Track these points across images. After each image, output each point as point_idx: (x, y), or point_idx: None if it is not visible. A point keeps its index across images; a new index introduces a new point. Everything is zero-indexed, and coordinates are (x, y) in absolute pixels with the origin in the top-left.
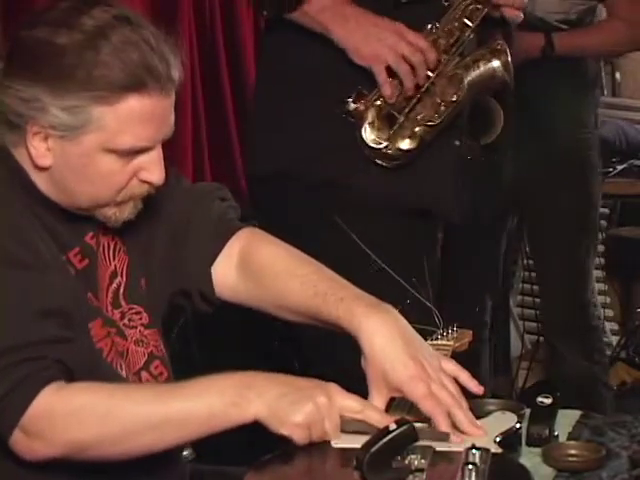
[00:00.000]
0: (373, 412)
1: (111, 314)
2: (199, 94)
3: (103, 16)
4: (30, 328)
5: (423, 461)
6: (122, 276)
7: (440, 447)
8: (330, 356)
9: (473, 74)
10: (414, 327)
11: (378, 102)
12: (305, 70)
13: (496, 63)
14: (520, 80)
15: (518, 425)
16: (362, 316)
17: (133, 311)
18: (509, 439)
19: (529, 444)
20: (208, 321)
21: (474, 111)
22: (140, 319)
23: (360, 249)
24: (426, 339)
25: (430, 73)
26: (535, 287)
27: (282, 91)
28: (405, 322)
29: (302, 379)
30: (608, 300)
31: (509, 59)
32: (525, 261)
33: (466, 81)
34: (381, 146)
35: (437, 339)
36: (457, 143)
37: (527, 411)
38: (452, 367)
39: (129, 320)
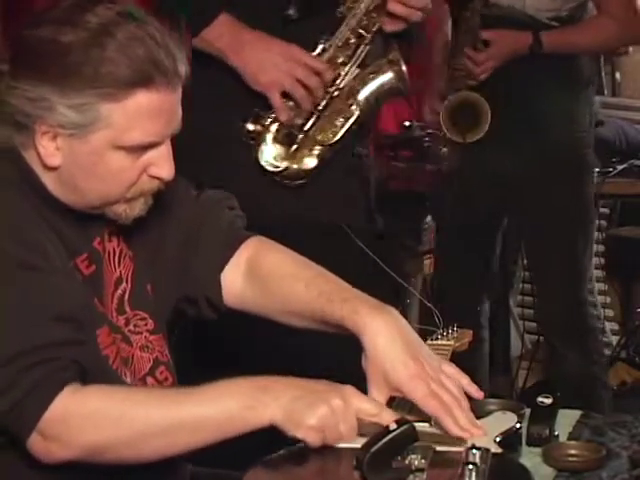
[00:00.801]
0: (389, 415)
1: (116, 320)
2: None
3: (107, 13)
4: (46, 330)
5: (423, 461)
6: (127, 282)
7: (440, 447)
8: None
9: (369, 87)
10: (414, 327)
11: (276, 124)
12: (209, 91)
13: (390, 74)
14: (514, 79)
15: (518, 425)
16: (366, 316)
17: (138, 317)
18: (509, 439)
19: (529, 444)
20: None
21: (461, 109)
22: (145, 325)
23: None
24: (426, 339)
25: (328, 90)
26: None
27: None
28: (406, 323)
29: (317, 382)
30: (608, 300)
31: (403, 68)
32: (525, 261)
33: (362, 95)
34: (280, 168)
35: (437, 339)
36: (364, 151)
37: (527, 411)
38: (453, 371)
39: (134, 326)
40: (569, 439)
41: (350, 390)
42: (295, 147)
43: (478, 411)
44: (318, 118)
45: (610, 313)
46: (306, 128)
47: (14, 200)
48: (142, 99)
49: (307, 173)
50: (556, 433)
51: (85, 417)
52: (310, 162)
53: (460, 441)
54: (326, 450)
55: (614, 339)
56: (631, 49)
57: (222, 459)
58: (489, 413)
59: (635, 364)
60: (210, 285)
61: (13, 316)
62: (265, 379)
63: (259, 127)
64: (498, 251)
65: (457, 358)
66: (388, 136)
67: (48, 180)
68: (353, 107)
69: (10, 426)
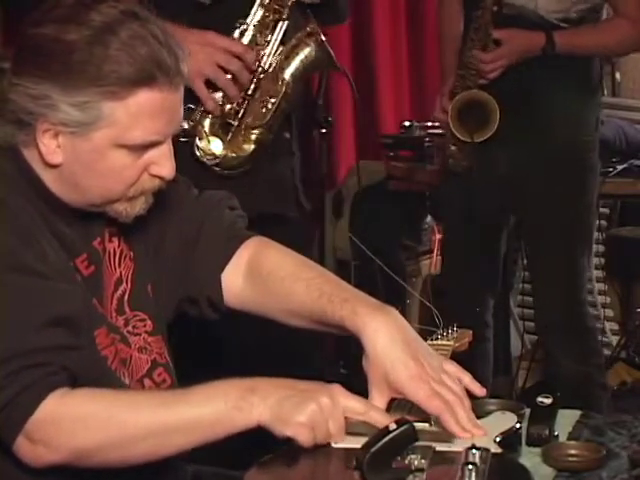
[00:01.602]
0: (377, 413)
1: (115, 321)
2: None
3: (111, 11)
4: (38, 335)
5: (423, 461)
6: (127, 283)
7: (440, 447)
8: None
9: (294, 63)
10: (414, 327)
11: (209, 116)
12: None
13: (311, 46)
14: (523, 79)
15: (518, 425)
16: (366, 316)
17: (137, 318)
18: (509, 439)
19: (529, 444)
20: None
21: (469, 107)
22: (144, 326)
23: None
24: (426, 339)
25: (253, 73)
26: None
27: None
28: (406, 324)
29: (305, 382)
30: (608, 300)
31: (323, 38)
32: (525, 261)
33: (289, 72)
34: (218, 160)
35: (437, 339)
36: (287, 136)
37: (527, 411)
38: (454, 369)
39: (133, 327)
40: (569, 439)
41: (337, 389)
42: (230, 135)
43: (478, 411)
44: (249, 103)
45: (610, 313)
46: (239, 115)
47: (12, 198)
48: (144, 98)
49: (247, 159)
50: (556, 433)
51: (73, 420)
52: (248, 148)
53: (457, 437)
54: (326, 450)
55: (614, 339)
56: None
57: (223, 458)
58: (489, 413)
59: (635, 364)
60: (211, 285)
61: (7, 319)
62: (252, 380)
63: (192, 123)
64: (503, 250)
65: (459, 357)
66: (388, 136)
67: (49, 178)
68: (281, 85)
69: None
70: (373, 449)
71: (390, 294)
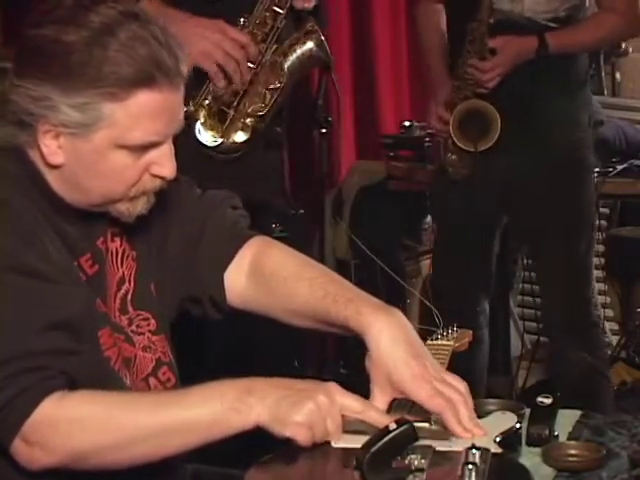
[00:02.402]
0: (374, 412)
1: (119, 320)
2: None
3: (110, 13)
4: (38, 338)
5: (423, 461)
6: (130, 282)
7: (440, 447)
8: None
9: (291, 58)
10: (414, 327)
11: (207, 101)
12: None
13: (310, 44)
14: (516, 83)
15: (518, 425)
16: (370, 316)
17: (141, 317)
18: (509, 439)
19: (529, 444)
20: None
21: (469, 117)
22: (148, 325)
23: None
24: (426, 339)
25: (252, 65)
26: (535, 287)
27: None
28: (409, 325)
29: (302, 381)
30: (608, 300)
31: (322, 37)
32: (525, 261)
33: (286, 66)
34: (216, 143)
35: (437, 339)
36: (279, 130)
37: (527, 411)
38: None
39: (137, 326)
40: (569, 439)
41: (334, 387)
42: (228, 122)
43: (478, 411)
44: (245, 93)
45: (610, 313)
46: (235, 103)
47: (15, 198)
48: (144, 99)
49: (241, 146)
50: (556, 433)
51: (71, 422)
52: (242, 136)
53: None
54: (326, 450)
55: (614, 339)
56: (631, 49)
57: (223, 458)
58: (489, 413)
59: (635, 364)
60: (214, 285)
61: (7, 320)
62: (249, 380)
63: (192, 107)
64: (496, 251)
65: (457, 358)
66: (388, 136)
67: (51, 178)
68: (279, 78)
69: None
70: (373, 449)
71: (390, 294)
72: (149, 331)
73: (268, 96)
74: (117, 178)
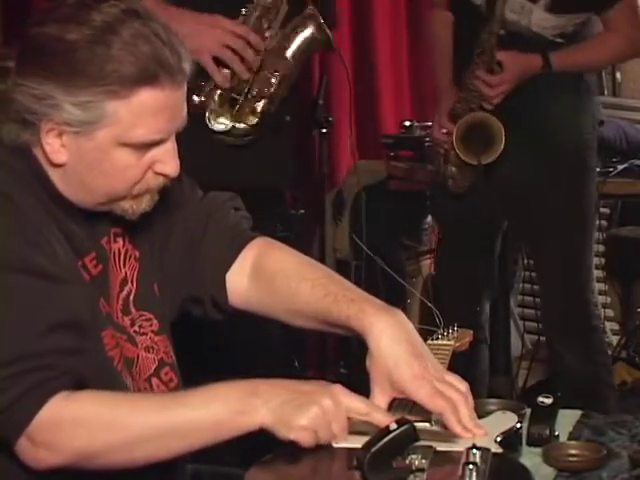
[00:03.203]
0: (379, 414)
1: (121, 321)
2: None
3: (112, 11)
4: (43, 338)
5: (424, 461)
6: (132, 283)
7: (441, 447)
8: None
9: (294, 43)
10: (415, 327)
11: (218, 91)
12: None
13: (311, 28)
14: (521, 91)
15: (519, 425)
16: (372, 316)
17: (143, 318)
18: (510, 439)
19: (530, 444)
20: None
21: (473, 129)
22: (150, 326)
23: None
24: (426, 339)
25: (257, 52)
26: (535, 287)
27: None
28: (411, 325)
29: (306, 383)
30: (608, 300)
31: (321, 20)
32: (525, 261)
33: (290, 51)
34: (227, 128)
35: (437, 339)
36: (288, 118)
37: (528, 411)
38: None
39: (139, 327)
40: (569, 439)
41: (339, 389)
42: (238, 107)
43: (479, 411)
44: (255, 78)
45: (610, 313)
46: (246, 90)
47: (22, 197)
48: (147, 97)
49: (253, 129)
50: (556, 433)
51: (77, 423)
52: (253, 119)
53: (457, 437)
54: (327, 450)
55: (614, 339)
56: None
57: (223, 457)
58: (489, 413)
59: (635, 364)
60: (215, 285)
61: (13, 320)
62: (254, 382)
63: (203, 97)
64: (497, 252)
65: (457, 358)
66: (388, 136)
67: (55, 178)
68: (284, 61)
69: (0, 429)
70: (374, 449)
71: (391, 294)
72: (152, 331)
73: (273, 80)
74: (120, 176)
